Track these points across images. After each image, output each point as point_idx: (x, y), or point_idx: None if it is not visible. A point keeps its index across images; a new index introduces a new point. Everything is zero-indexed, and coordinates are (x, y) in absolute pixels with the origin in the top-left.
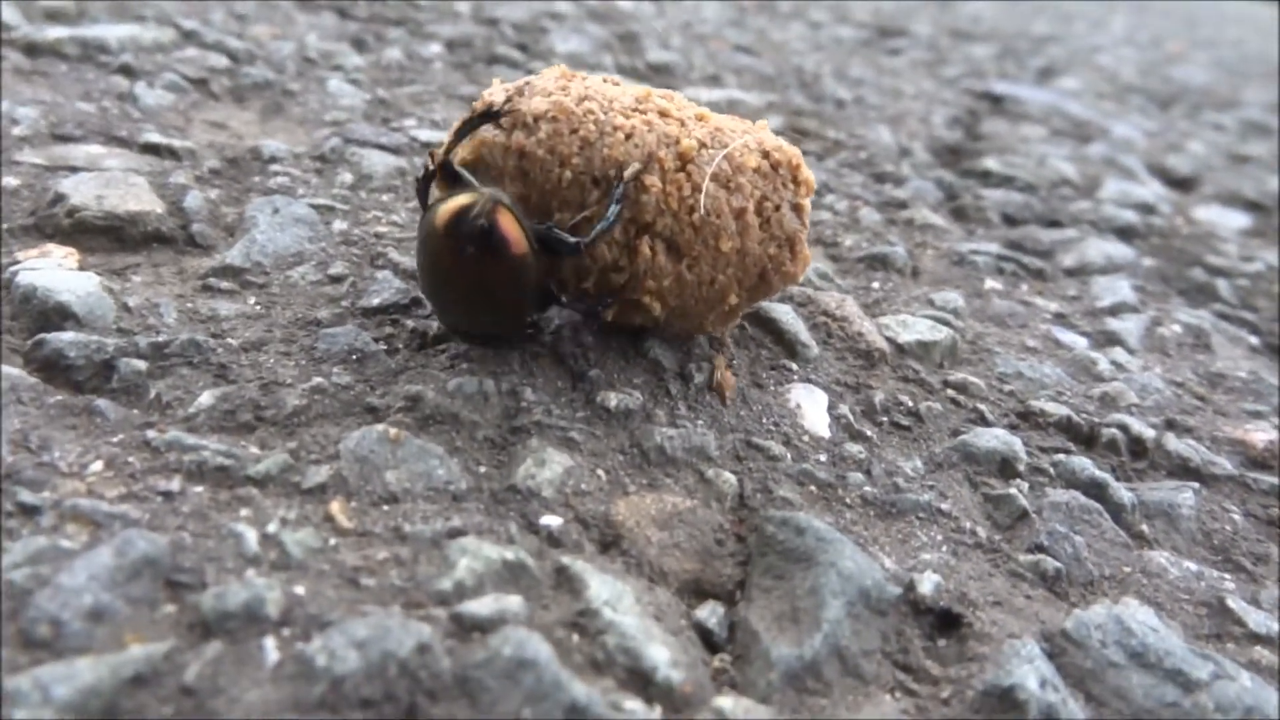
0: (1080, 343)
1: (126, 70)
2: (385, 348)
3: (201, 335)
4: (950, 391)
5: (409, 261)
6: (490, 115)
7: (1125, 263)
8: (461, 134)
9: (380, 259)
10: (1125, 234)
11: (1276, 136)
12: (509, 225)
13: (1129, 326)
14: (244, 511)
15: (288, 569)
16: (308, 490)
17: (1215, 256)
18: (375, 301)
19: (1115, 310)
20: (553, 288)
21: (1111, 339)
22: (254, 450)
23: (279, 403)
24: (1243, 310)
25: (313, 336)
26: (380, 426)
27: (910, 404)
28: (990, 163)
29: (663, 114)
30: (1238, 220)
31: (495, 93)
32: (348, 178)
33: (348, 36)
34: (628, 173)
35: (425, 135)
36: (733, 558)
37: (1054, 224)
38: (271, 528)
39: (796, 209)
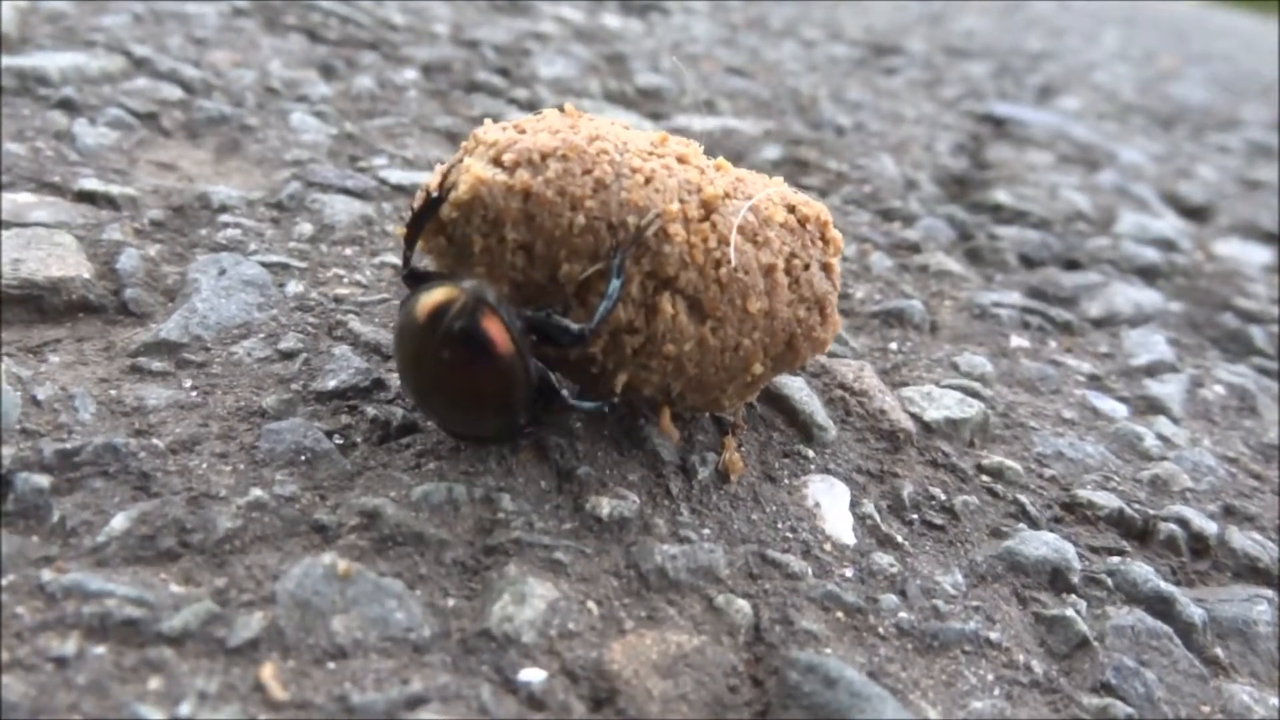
0: (1120, 411)
1: (67, 105)
2: (340, 443)
3: (122, 436)
4: (985, 479)
5: (371, 332)
6: (435, 204)
7: (1154, 311)
8: (413, 235)
9: (339, 329)
10: (1148, 275)
11: None
12: (492, 327)
13: (1170, 391)
14: (153, 683)
15: None
16: (235, 649)
17: (1244, 299)
18: (331, 384)
19: (1153, 370)
20: (554, 385)
21: (1153, 406)
22: (174, 589)
23: (209, 524)
24: None
25: (255, 432)
26: (328, 557)
27: (943, 497)
28: (1001, 195)
29: (681, 160)
30: (1259, 255)
31: (433, 179)
32: (307, 228)
33: (315, 62)
34: (645, 220)
35: (396, 176)
36: (749, 707)
37: (1073, 264)
38: (185, 709)
39: (826, 269)
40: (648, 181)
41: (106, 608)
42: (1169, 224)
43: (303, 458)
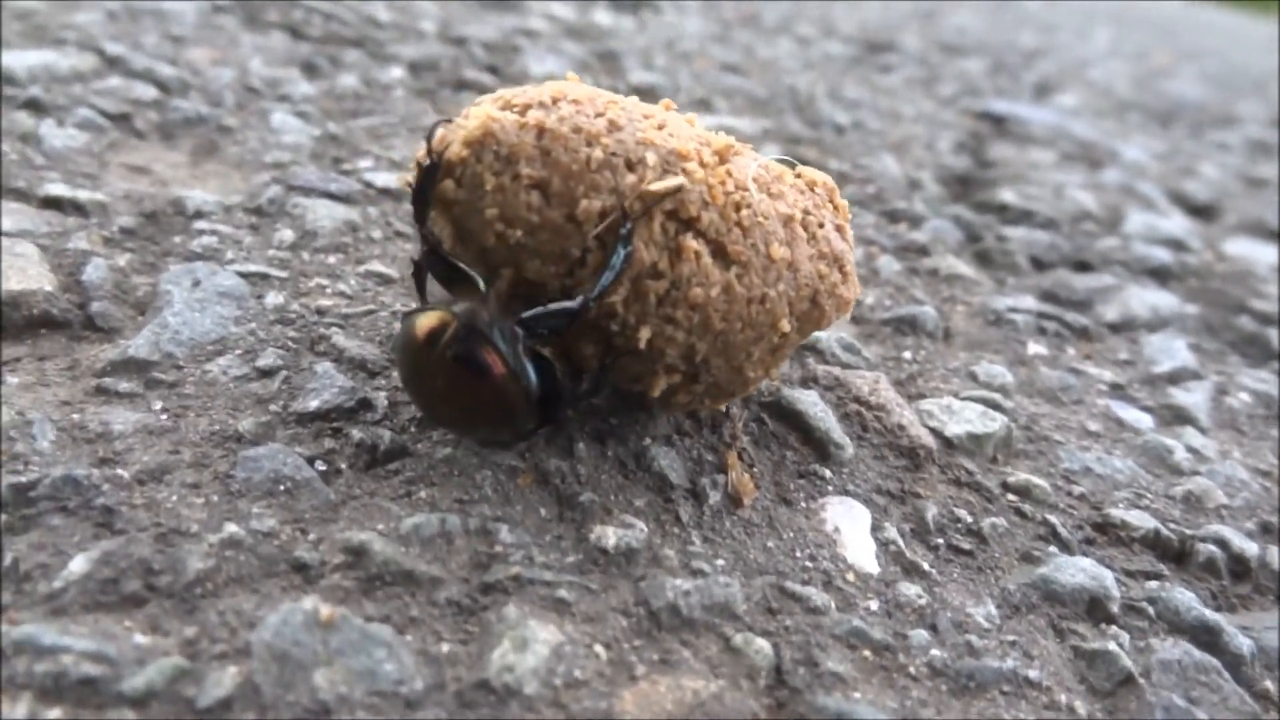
0: (1145, 421)
1: (34, 105)
2: (323, 470)
3: (84, 466)
4: (1012, 498)
5: (356, 347)
6: (435, 168)
7: (1171, 315)
8: (422, 208)
9: (321, 344)
10: (1160, 276)
11: None
12: (484, 353)
13: (1196, 400)
14: None
15: None
16: (205, 710)
17: (1259, 300)
18: (313, 404)
19: (1176, 378)
20: (559, 389)
21: (1180, 416)
22: (139, 640)
23: (178, 564)
24: None
25: (231, 459)
26: (309, 602)
27: (969, 519)
28: (1007, 195)
29: (688, 121)
30: (1269, 254)
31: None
32: (288, 235)
33: (298, 60)
34: (661, 185)
35: (382, 179)
36: None
37: (1084, 266)
38: None
39: (839, 230)
40: (661, 128)
41: (62, 665)
42: (1177, 223)
43: (282, 487)
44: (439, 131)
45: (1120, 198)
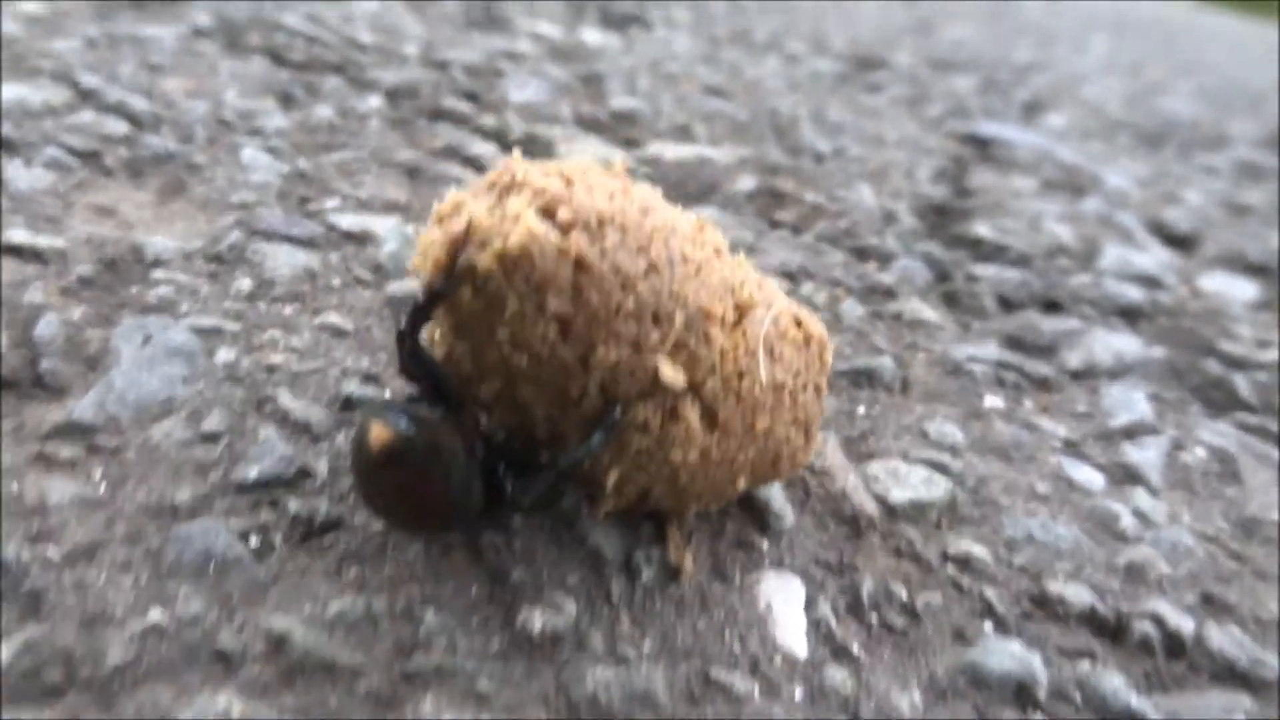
0: (1096, 482)
1: (3, 144)
2: (256, 546)
3: (16, 544)
4: (951, 569)
5: (301, 408)
6: (436, 299)
7: (1135, 360)
8: (415, 329)
9: (268, 404)
10: (1130, 316)
11: (1273, 179)
12: (429, 469)
13: (1149, 457)
14: None
15: None
16: None
17: (1229, 342)
18: (253, 473)
19: (1132, 432)
20: (503, 494)
21: (1131, 475)
22: None
23: (99, 654)
24: (1265, 417)
25: (164, 534)
26: (223, 699)
27: (904, 595)
28: (981, 229)
29: (718, 252)
30: (1245, 290)
31: (433, 240)
32: (245, 284)
33: (275, 89)
34: (624, 408)
35: (346, 221)
36: None
37: (1054, 305)
38: None
39: (818, 391)
40: (698, 272)
41: None
42: (1153, 258)
43: (212, 566)
44: (459, 217)
45: (1098, 229)
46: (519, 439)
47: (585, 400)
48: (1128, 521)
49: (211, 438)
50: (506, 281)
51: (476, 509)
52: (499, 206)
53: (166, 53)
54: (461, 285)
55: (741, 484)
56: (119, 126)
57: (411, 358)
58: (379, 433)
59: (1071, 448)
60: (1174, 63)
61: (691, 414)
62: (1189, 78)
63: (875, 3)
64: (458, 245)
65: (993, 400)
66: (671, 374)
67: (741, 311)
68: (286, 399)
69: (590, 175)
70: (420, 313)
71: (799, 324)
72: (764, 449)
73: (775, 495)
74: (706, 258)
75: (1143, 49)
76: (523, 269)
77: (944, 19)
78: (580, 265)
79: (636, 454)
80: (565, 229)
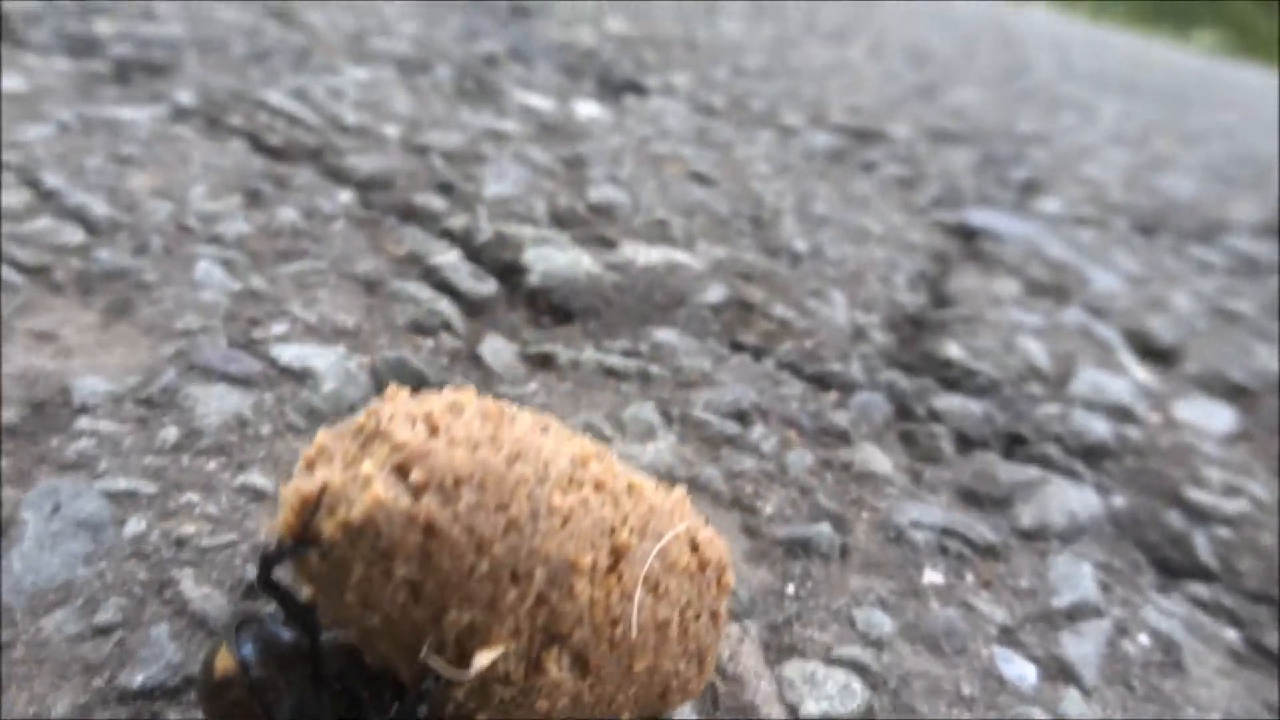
0: (1028, 678)
1: None
2: None
3: None
4: None
5: (201, 598)
6: (284, 556)
7: (1090, 521)
8: (267, 569)
9: (169, 589)
10: (1096, 457)
11: (1267, 276)
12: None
13: (1086, 653)
14: None
15: None
16: None
17: (1195, 489)
18: (138, 679)
19: (1074, 614)
20: None
21: (1065, 671)
22: None
23: None
24: (1222, 589)
25: None
26: None
27: None
28: (953, 349)
29: (599, 487)
30: (1221, 419)
31: (287, 499)
32: (172, 434)
33: (244, 185)
34: (480, 659)
35: (289, 354)
36: None
37: (1018, 440)
38: None
39: (714, 617)
40: (564, 523)
41: None
42: (1128, 382)
43: None
44: (296, 487)
45: (1076, 344)
46: (385, 677)
47: (444, 652)
48: None
49: (104, 631)
50: (351, 548)
51: None
52: (355, 464)
53: (140, 141)
54: (309, 549)
55: (626, 718)
56: (75, 235)
57: (266, 587)
58: (221, 661)
59: (1007, 635)
60: (1184, 130)
61: (555, 666)
62: (1197, 148)
63: (881, 66)
64: (308, 506)
65: (932, 575)
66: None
67: (618, 554)
68: (189, 584)
69: (462, 417)
70: (269, 562)
71: (695, 549)
72: (648, 685)
73: (683, 711)
74: (581, 500)
75: (1154, 114)
76: (368, 537)
77: (950, 82)
78: (430, 530)
79: (501, 703)
80: (417, 492)
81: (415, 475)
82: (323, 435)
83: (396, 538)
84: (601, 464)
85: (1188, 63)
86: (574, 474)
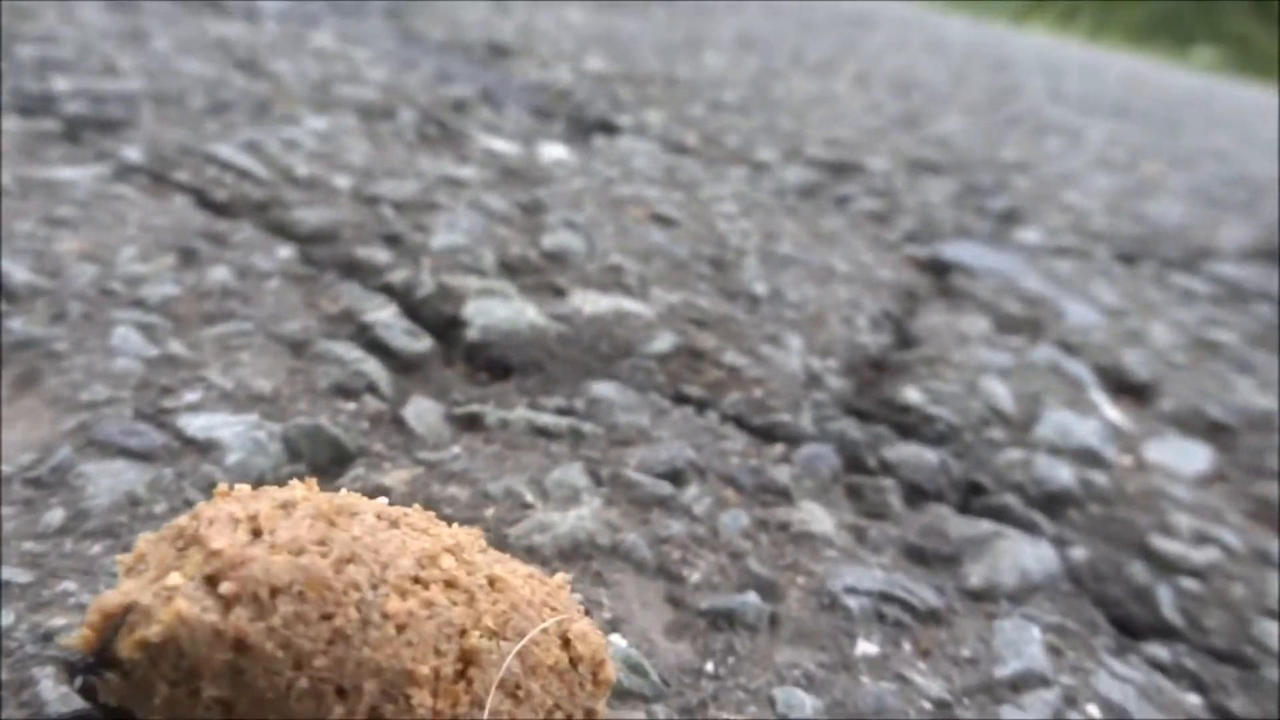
0: None
1: None
2: None
3: None
4: None
5: (59, 699)
6: (76, 674)
7: (1044, 579)
8: (71, 677)
9: (26, 691)
10: (1058, 506)
11: (1254, 304)
12: None
13: None
14: None
15: None
16: None
17: (1161, 538)
18: None
19: (1018, 685)
20: None
21: None
22: None
23: None
24: (1185, 649)
25: None
26: None
27: None
28: (912, 393)
29: (449, 585)
30: (1195, 459)
31: (92, 615)
32: (57, 517)
33: (182, 241)
34: None
35: (197, 425)
36: None
37: (975, 492)
38: None
39: (589, 714)
40: (400, 630)
41: None
42: (1097, 423)
43: None
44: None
45: (1045, 383)
46: None
47: None
48: None
49: None
50: (153, 668)
51: None
52: (166, 574)
53: (76, 202)
54: (107, 670)
55: None
56: None
57: (82, 695)
58: None
59: (943, 710)
60: (1175, 152)
61: None
62: (1187, 171)
63: (866, 96)
64: (110, 622)
65: (866, 646)
66: None
67: (468, 659)
68: (47, 685)
69: (291, 518)
70: (72, 672)
71: (566, 644)
72: None
73: None
74: (424, 602)
75: (1144, 136)
76: (169, 656)
77: (935, 111)
78: (240, 646)
79: None
80: (228, 604)
81: (226, 586)
82: (142, 541)
83: (201, 655)
84: (458, 558)
85: (1183, 82)
86: (419, 573)
